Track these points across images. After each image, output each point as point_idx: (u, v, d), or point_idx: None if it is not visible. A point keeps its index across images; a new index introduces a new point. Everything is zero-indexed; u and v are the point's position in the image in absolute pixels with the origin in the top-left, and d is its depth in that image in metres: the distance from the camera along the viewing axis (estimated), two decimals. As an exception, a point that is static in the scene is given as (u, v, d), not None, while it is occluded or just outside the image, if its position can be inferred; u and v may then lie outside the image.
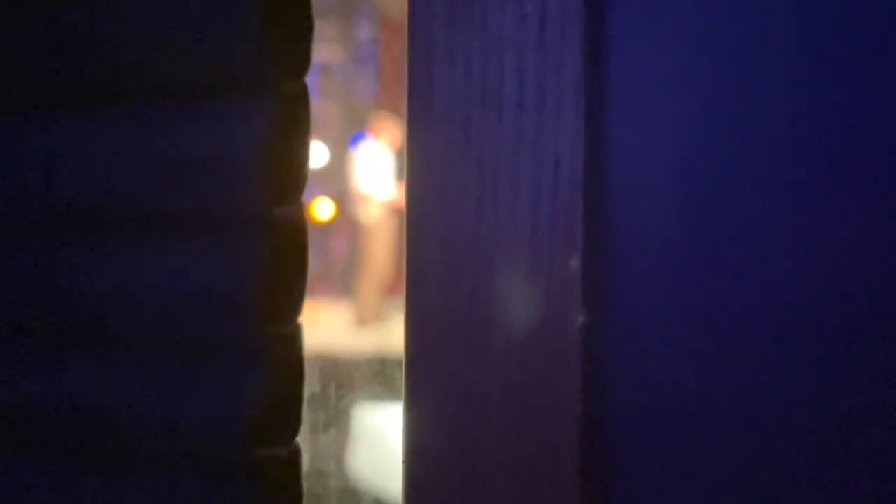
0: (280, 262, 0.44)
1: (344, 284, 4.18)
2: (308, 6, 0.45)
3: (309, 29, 0.45)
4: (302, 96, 0.46)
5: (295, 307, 0.46)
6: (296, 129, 0.45)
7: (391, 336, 3.49)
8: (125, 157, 0.45)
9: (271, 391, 0.44)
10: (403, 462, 0.42)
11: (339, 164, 4.41)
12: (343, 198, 4.30)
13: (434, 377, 0.41)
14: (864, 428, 0.38)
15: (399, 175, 4.28)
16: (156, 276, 0.45)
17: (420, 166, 0.41)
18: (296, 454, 0.46)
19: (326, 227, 4.48)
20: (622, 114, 0.39)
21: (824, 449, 0.38)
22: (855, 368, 0.38)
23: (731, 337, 0.39)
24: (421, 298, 0.42)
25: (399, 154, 4.29)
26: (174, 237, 0.45)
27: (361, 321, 3.80)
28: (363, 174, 4.23)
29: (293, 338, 0.46)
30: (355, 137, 4.28)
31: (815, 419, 0.38)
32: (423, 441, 0.42)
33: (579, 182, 0.39)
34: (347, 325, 3.73)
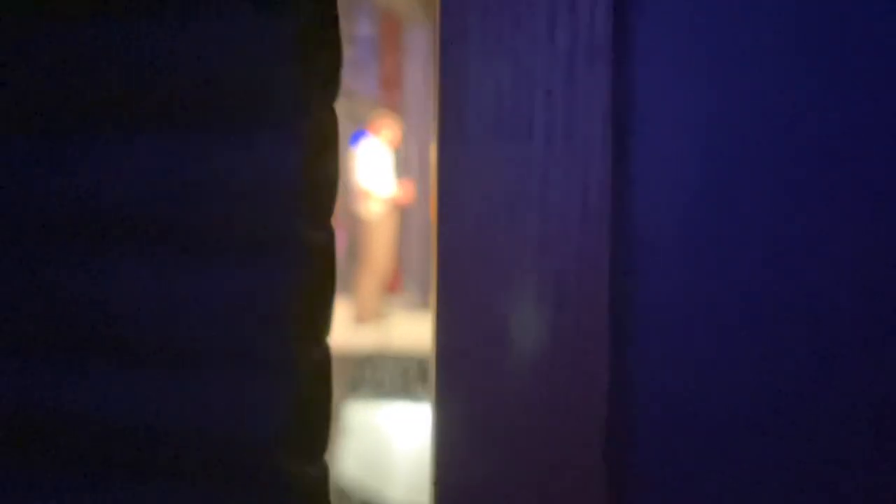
0: (312, 285, 0.46)
1: (343, 282, 4.18)
2: (338, 36, 0.46)
3: (339, 57, 0.46)
4: (333, 121, 0.47)
5: (324, 328, 0.47)
6: (328, 153, 0.46)
7: (390, 333, 3.51)
8: (168, 179, 0.46)
9: (302, 409, 0.45)
10: (432, 459, 0.43)
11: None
12: (343, 195, 4.30)
13: (463, 379, 0.43)
14: (883, 429, 0.39)
15: (398, 172, 4.29)
16: (194, 296, 0.46)
17: (451, 192, 0.42)
18: (324, 471, 0.47)
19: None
20: (649, 146, 0.41)
21: (841, 450, 0.40)
22: (879, 371, 0.39)
23: (754, 350, 0.40)
24: (450, 311, 0.43)
25: (398, 151, 4.30)
26: (212, 259, 0.46)
27: (361, 319, 3.80)
28: (363, 171, 4.23)
29: (323, 358, 0.47)
30: (355, 135, 4.28)
31: (827, 422, 0.40)
32: (451, 440, 0.43)
33: (606, 211, 0.40)
34: (347, 322, 3.74)
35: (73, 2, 0.48)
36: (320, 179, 0.46)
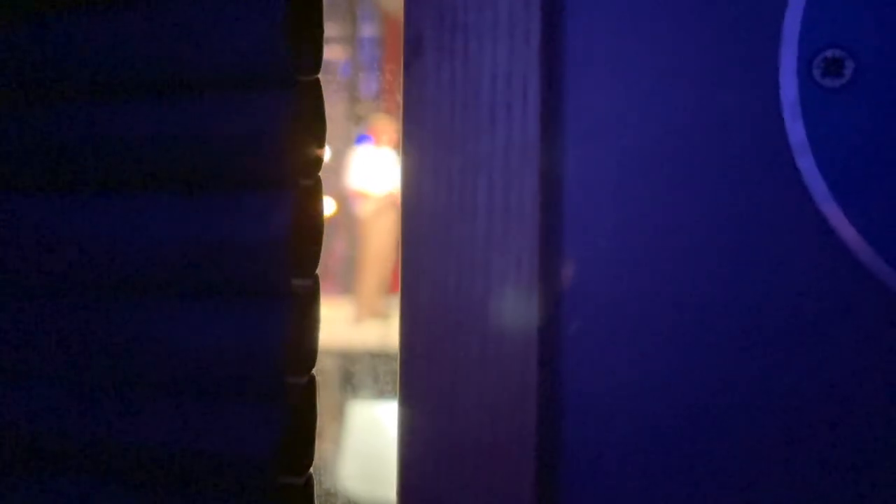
0: (298, 325, 0.55)
1: (344, 283, 4.27)
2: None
3: (322, 146, 0.55)
4: (318, 188, 0.56)
5: (310, 361, 0.56)
6: (313, 216, 0.56)
7: (389, 333, 3.59)
8: (174, 237, 0.56)
9: (291, 430, 0.55)
10: (398, 453, 0.52)
11: (340, 163, 4.50)
12: (344, 196, 4.39)
13: (426, 375, 0.52)
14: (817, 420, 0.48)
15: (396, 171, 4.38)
16: (198, 337, 0.56)
17: (413, 261, 0.51)
18: (310, 482, 0.56)
19: (328, 225, 4.56)
20: (572, 221, 0.50)
21: (762, 446, 0.48)
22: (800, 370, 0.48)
23: (676, 355, 0.49)
24: (412, 312, 0.52)
25: (396, 152, 4.39)
26: (213, 306, 0.56)
27: (360, 317, 3.88)
28: (359, 173, 4.32)
29: (308, 386, 0.56)
30: (360, 138, 4.37)
31: (747, 417, 0.49)
32: (414, 433, 0.52)
33: (535, 273, 0.50)
34: (348, 321, 3.81)
35: (98, 85, 0.57)
36: (306, 238, 0.55)
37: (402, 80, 0.52)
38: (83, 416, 0.58)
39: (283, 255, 0.54)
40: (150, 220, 0.57)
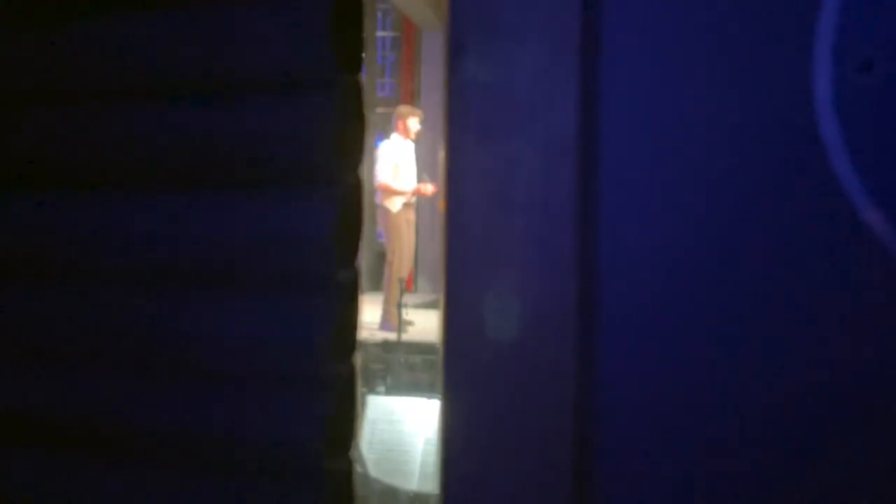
0: (340, 315, 0.57)
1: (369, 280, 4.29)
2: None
3: (361, 149, 0.58)
4: (358, 185, 0.59)
5: (351, 350, 0.59)
6: (353, 211, 0.58)
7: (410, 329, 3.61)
8: (226, 233, 0.58)
9: (333, 415, 0.57)
10: (440, 445, 0.54)
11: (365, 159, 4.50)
12: (369, 192, 4.40)
13: (468, 364, 0.53)
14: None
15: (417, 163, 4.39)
16: (247, 327, 0.58)
17: (456, 249, 0.53)
18: (350, 464, 0.59)
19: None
20: (609, 217, 0.52)
21: (797, 432, 0.49)
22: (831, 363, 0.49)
23: (713, 343, 0.51)
24: (457, 306, 0.54)
25: (417, 144, 4.39)
26: (262, 295, 0.58)
27: (387, 321, 3.87)
28: (383, 169, 4.33)
29: (350, 373, 0.59)
30: (380, 138, 4.37)
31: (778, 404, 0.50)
32: (457, 420, 0.53)
33: (573, 267, 0.51)
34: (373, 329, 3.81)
35: (153, 89, 0.60)
36: (348, 231, 0.58)
37: (445, 81, 0.54)
38: (139, 403, 0.61)
39: (328, 248, 0.57)
40: (203, 216, 0.59)
